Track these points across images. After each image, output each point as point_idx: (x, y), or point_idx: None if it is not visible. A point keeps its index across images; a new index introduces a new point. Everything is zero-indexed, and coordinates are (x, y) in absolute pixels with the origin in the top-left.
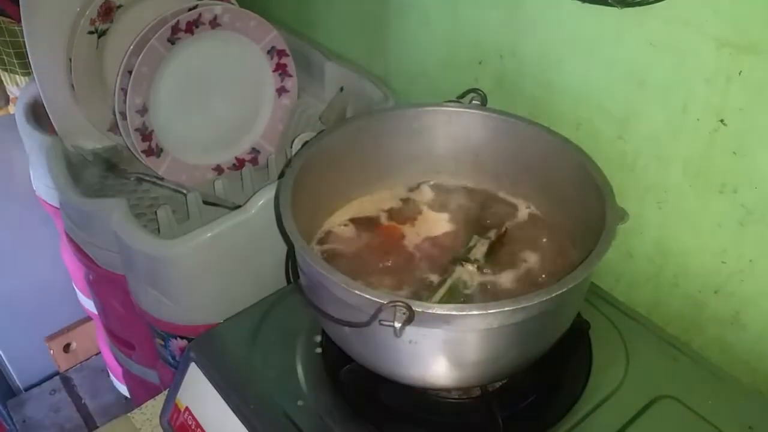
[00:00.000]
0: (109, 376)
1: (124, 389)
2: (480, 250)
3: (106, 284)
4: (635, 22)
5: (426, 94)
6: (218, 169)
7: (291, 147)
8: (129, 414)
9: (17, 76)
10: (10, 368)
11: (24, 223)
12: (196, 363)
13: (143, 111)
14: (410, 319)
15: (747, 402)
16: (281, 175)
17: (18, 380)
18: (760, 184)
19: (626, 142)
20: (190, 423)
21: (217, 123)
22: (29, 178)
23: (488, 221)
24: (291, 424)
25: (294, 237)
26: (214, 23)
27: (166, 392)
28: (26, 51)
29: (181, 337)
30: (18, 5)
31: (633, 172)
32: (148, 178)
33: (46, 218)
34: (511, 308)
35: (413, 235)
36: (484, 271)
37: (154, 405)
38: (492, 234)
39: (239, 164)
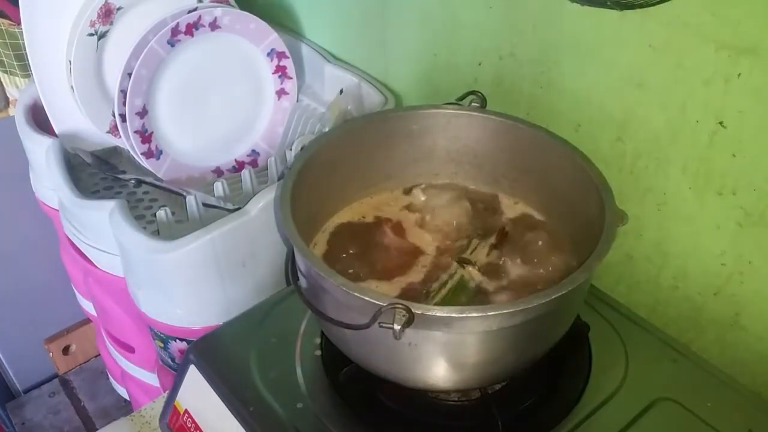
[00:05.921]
0: (108, 378)
1: (123, 391)
2: (480, 252)
3: (106, 286)
4: (635, 25)
5: (425, 96)
6: (218, 171)
7: (291, 149)
8: (128, 416)
9: (17, 78)
10: (9, 370)
11: (23, 225)
12: (195, 365)
13: (143, 113)
14: (410, 321)
15: (746, 404)
16: (281, 177)
17: (17, 382)
18: (758, 186)
19: (626, 143)
20: (189, 425)
21: (216, 125)
22: (29, 180)
23: (488, 223)
24: (290, 427)
25: (293, 239)
26: (214, 25)
27: (165, 395)
28: (26, 53)
29: (181, 340)
30: (18, 7)
31: (632, 173)
32: (147, 180)
33: (46, 220)
34: (510, 310)
35: (413, 238)
36: (484, 273)
37: (154, 407)
38: (492, 236)
39: (239, 166)
